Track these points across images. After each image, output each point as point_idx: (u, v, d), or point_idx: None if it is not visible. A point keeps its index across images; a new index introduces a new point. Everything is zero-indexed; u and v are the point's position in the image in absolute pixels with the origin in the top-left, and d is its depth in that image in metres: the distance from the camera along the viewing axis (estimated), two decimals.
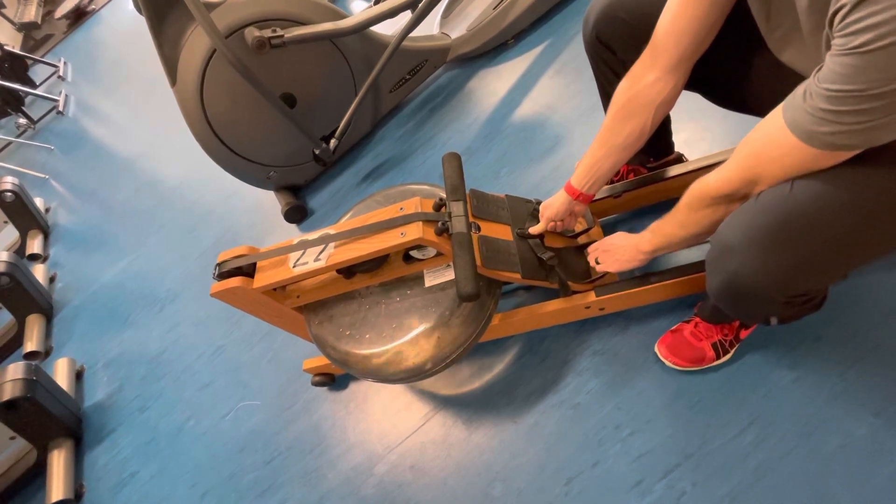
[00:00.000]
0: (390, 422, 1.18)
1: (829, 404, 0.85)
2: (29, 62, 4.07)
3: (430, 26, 1.83)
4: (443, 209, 0.90)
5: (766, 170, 0.59)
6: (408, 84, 1.73)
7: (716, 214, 0.67)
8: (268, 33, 1.30)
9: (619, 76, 0.83)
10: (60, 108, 3.53)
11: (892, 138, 0.48)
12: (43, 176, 2.94)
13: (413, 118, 1.77)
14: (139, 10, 1.36)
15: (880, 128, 0.46)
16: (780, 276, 0.59)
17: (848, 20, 0.43)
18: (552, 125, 1.48)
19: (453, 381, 1.17)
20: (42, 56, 4.41)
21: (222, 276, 0.97)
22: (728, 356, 0.93)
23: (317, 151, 1.57)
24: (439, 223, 0.87)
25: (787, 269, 0.58)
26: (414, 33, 1.51)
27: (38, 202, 2.60)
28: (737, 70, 0.77)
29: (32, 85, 3.89)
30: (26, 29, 4.94)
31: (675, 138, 1.11)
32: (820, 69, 0.48)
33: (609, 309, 1.03)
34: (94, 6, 4.92)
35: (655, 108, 0.77)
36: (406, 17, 1.48)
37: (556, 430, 1.01)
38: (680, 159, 1.13)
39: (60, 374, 1.68)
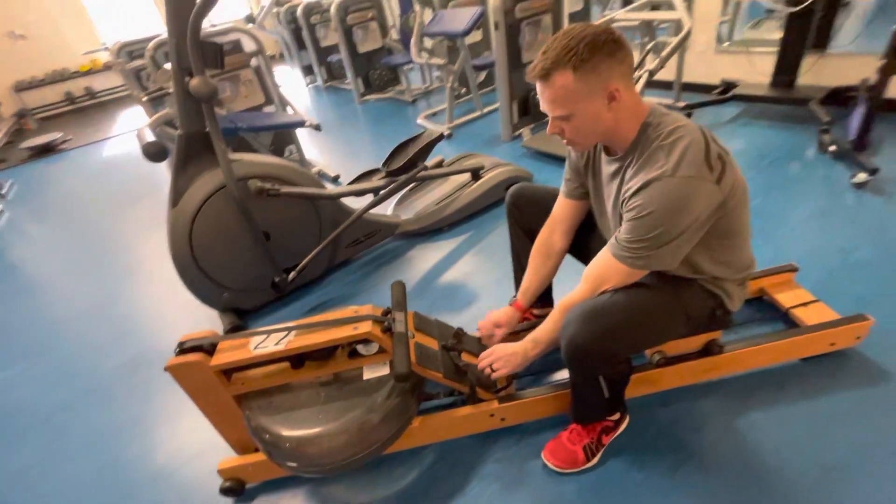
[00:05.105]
0: None
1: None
2: None
3: (387, 207, 2.40)
4: (389, 315, 1.19)
5: (606, 284, 1.02)
6: (362, 244, 2.17)
7: None
8: (268, 185, 1.71)
9: (522, 229, 1.39)
10: None
11: (666, 265, 0.95)
12: None
13: (361, 270, 2.15)
14: (148, 157, 1.73)
15: (653, 256, 0.93)
16: (595, 336, 0.98)
17: (628, 205, 0.93)
18: (471, 287, 1.92)
19: (374, 489, 1.23)
20: None
21: (183, 351, 1.11)
22: (596, 459, 1.18)
23: (276, 280, 1.83)
24: (385, 323, 1.15)
25: (599, 332, 0.98)
26: (373, 210, 2.01)
27: None
28: (587, 239, 1.29)
29: None
30: None
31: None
32: (620, 229, 0.97)
33: (509, 420, 1.27)
34: (65, 146, 5.29)
35: (561, 253, 1.28)
36: (369, 198, 2.00)
37: None
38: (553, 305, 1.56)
39: None
